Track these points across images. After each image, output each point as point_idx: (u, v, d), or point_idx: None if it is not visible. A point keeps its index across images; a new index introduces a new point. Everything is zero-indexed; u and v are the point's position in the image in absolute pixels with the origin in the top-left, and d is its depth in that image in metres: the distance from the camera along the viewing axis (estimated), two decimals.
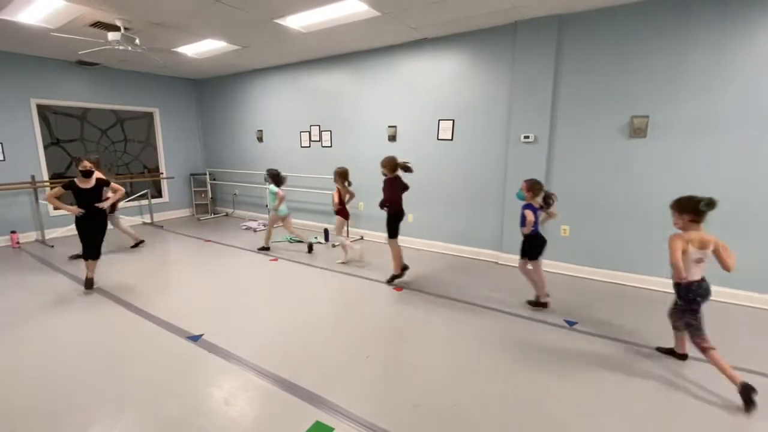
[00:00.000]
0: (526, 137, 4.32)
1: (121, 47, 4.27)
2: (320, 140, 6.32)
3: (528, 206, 3.27)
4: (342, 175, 4.58)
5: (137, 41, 4.30)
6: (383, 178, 3.98)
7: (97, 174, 3.83)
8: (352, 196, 4.74)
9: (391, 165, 3.92)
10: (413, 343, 2.95)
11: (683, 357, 2.64)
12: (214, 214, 8.05)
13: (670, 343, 2.69)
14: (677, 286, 2.44)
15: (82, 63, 6.13)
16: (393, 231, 3.99)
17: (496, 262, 4.74)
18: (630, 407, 2.16)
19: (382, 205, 4.00)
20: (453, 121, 4.91)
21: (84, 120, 6.53)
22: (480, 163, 4.81)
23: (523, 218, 3.25)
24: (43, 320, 3.22)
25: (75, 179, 3.59)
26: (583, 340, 2.91)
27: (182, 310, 3.40)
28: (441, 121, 5.00)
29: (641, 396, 2.26)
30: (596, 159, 4.03)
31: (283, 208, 5.12)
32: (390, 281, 4.07)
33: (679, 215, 2.35)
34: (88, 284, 3.80)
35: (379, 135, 5.59)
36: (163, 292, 3.93)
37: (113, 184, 3.95)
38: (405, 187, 4.07)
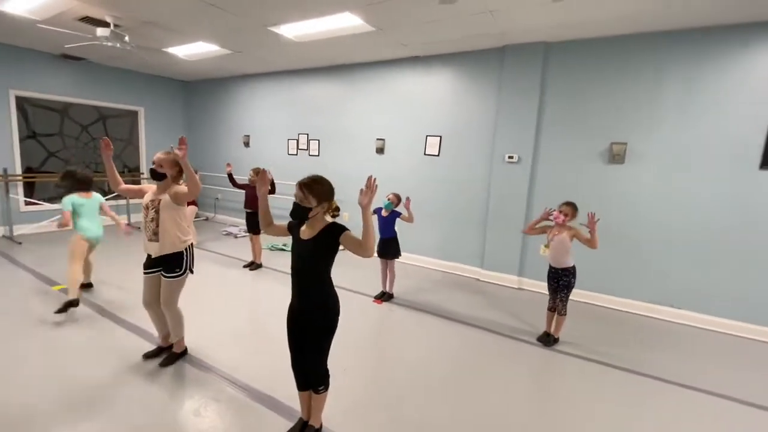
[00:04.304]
0: (510, 157, 4.42)
1: (109, 44, 4.20)
2: (308, 149, 6.31)
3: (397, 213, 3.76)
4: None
5: (127, 38, 4.23)
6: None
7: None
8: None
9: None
10: (391, 355, 2.93)
11: (557, 339, 3.12)
12: (195, 217, 7.86)
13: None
14: (573, 268, 3.00)
15: (66, 57, 5.99)
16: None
17: (477, 279, 4.78)
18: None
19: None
20: (440, 137, 5.00)
21: (65, 115, 6.35)
22: (464, 180, 4.88)
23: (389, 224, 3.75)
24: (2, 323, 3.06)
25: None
26: (563, 359, 2.96)
27: None
28: (428, 137, 5.08)
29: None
30: (577, 181, 4.15)
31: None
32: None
33: (576, 214, 3.03)
34: None
35: (368, 147, 5.63)
36: (136, 297, 3.78)
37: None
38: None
